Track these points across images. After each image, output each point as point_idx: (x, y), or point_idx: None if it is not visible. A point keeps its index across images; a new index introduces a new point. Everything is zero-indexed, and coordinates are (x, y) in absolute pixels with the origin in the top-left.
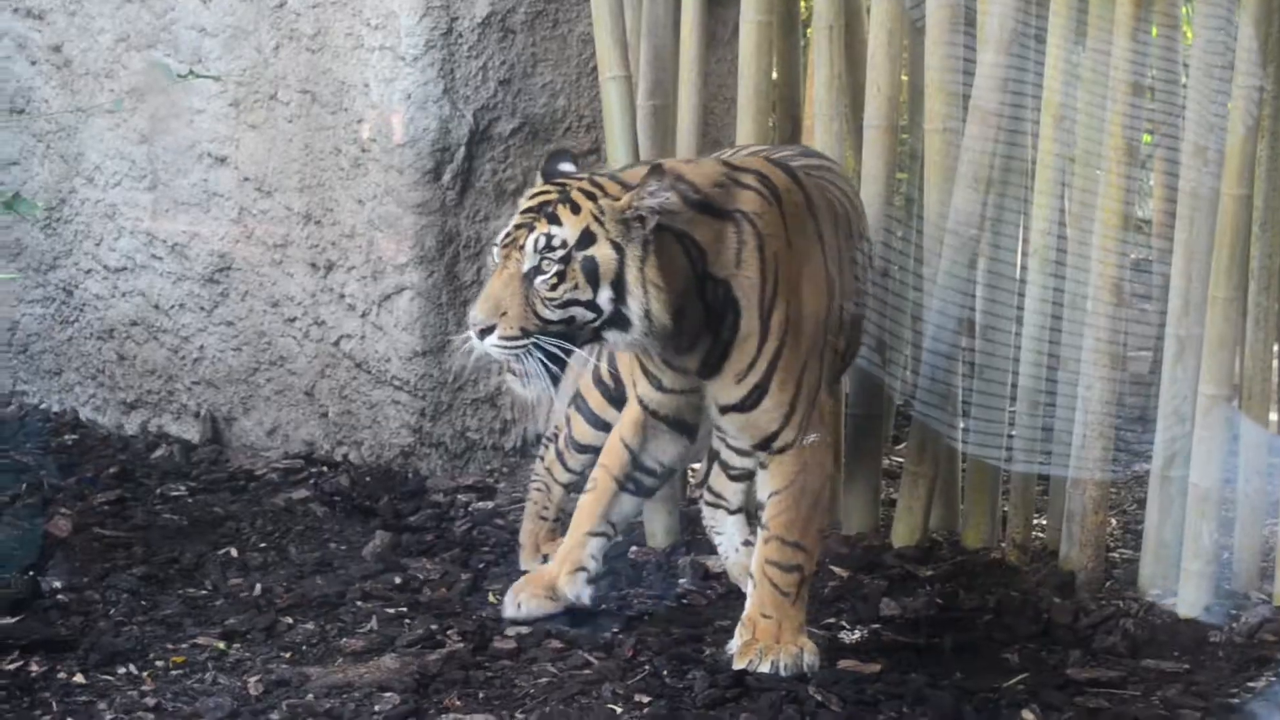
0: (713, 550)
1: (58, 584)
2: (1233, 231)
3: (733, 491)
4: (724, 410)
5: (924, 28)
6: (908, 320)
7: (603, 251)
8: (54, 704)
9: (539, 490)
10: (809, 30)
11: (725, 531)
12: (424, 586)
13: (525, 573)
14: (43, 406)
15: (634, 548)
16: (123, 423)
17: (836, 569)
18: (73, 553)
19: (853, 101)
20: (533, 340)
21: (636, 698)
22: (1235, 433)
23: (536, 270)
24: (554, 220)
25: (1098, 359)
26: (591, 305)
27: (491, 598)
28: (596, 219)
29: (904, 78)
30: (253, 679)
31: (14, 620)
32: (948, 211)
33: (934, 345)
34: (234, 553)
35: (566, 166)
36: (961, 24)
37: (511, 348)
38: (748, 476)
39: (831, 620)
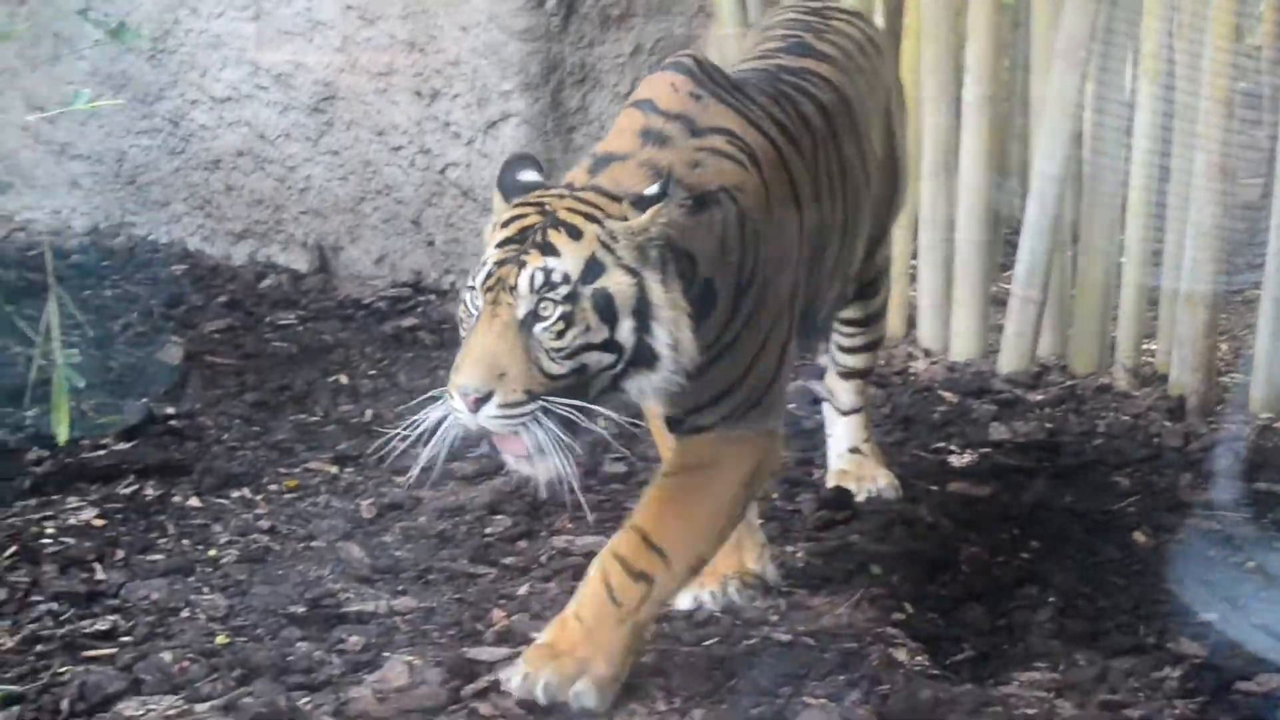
0: (819, 375)
1: (171, 410)
2: None
3: (843, 390)
4: None
5: None
6: (1017, 143)
7: (616, 279)
8: (169, 526)
9: None
10: None
11: (834, 433)
12: None
13: None
14: (150, 238)
15: None
16: (231, 253)
17: (945, 394)
18: (185, 380)
19: None
20: (540, 405)
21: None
22: None
23: (535, 315)
24: (548, 250)
25: (1209, 177)
26: (609, 345)
27: (600, 423)
28: (604, 244)
29: None
30: (365, 502)
31: (129, 445)
32: (1057, 30)
33: (1044, 167)
34: (344, 380)
35: (530, 176)
36: None
37: (516, 416)
38: (858, 375)
39: (941, 444)
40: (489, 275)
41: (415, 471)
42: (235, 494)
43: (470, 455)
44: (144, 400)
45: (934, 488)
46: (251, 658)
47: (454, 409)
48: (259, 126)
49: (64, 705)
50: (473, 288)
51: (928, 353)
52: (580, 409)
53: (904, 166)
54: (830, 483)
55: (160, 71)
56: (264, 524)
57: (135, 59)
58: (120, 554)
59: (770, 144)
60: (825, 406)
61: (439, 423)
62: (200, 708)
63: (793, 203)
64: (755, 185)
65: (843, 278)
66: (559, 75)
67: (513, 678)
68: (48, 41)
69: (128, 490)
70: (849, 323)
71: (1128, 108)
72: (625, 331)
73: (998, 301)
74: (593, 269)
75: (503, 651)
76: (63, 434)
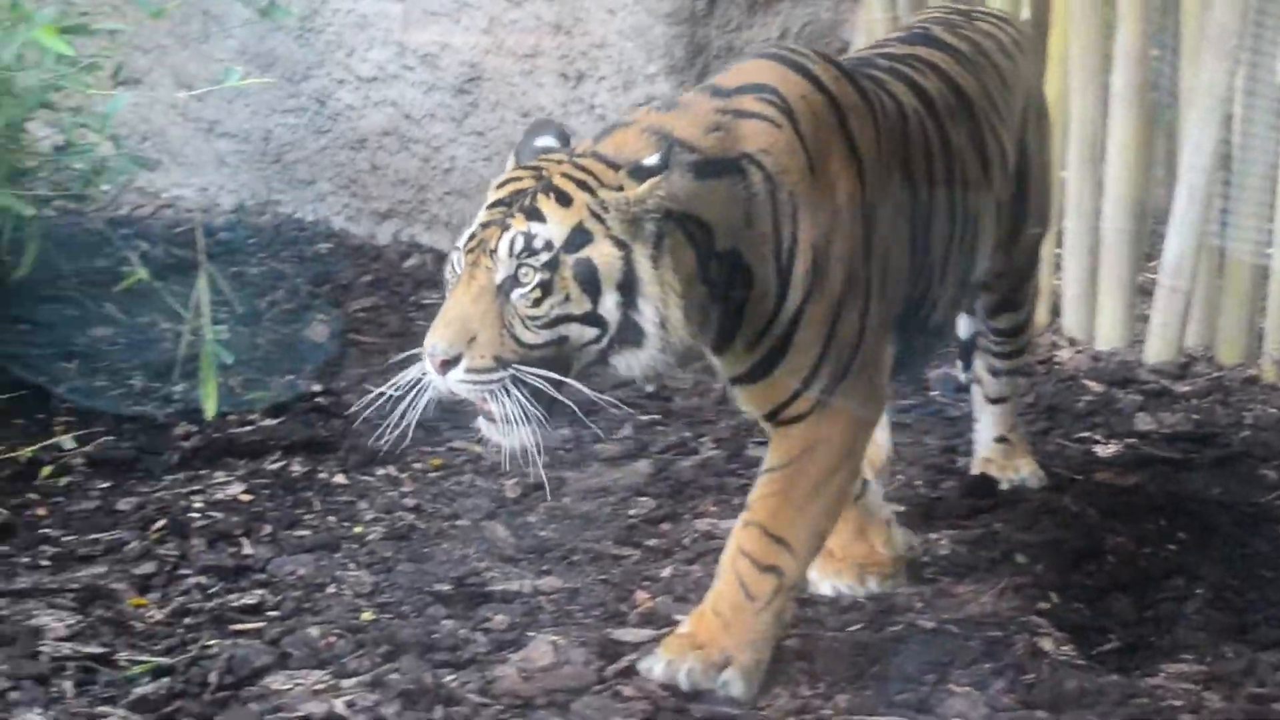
0: (966, 364)
1: (317, 388)
2: None
3: (990, 383)
4: (731, 380)
5: None
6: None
7: (602, 251)
8: (316, 502)
9: None
10: None
11: (981, 419)
12: (675, 395)
13: None
14: (296, 216)
15: None
16: (375, 232)
17: (1090, 383)
18: (331, 358)
19: None
20: (510, 373)
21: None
22: None
23: (513, 281)
24: (534, 215)
25: None
26: (591, 318)
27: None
28: (594, 214)
29: None
30: (509, 481)
31: (276, 422)
32: (1207, 18)
33: (1193, 157)
34: None
35: (548, 142)
36: None
37: (483, 383)
38: (1007, 372)
39: (1085, 433)
40: (472, 237)
41: (390, 431)
42: (380, 471)
43: (614, 437)
44: (291, 377)
45: (1079, 477)
46: (397, 634)
47: (426, 370)
48: (404, 107)
49: (212, 678)
50: (459, 248)
51: (1073, 342)
52: (555, 382)
53: (1041, 177)
54: (974, 470)
55: (307, 51)
56: (409, 502)
57: (283, 38)
58: (267, 529)
59: (821, 95)
60: (973, 392)
61: (415, 383)
62: (346, 683)
63: (848, 160)
64: (788, 142)
65: (959, 279)
66: (704, 59)
67: (654, 666)
68: (198, 20)
69: (274, 466)
70: (997, 332)
71: (1279, 94)
72: (609, 306)
73: (1144, 291)
74: (577, 238)
75: (646, 633)
76: (211, 409)
